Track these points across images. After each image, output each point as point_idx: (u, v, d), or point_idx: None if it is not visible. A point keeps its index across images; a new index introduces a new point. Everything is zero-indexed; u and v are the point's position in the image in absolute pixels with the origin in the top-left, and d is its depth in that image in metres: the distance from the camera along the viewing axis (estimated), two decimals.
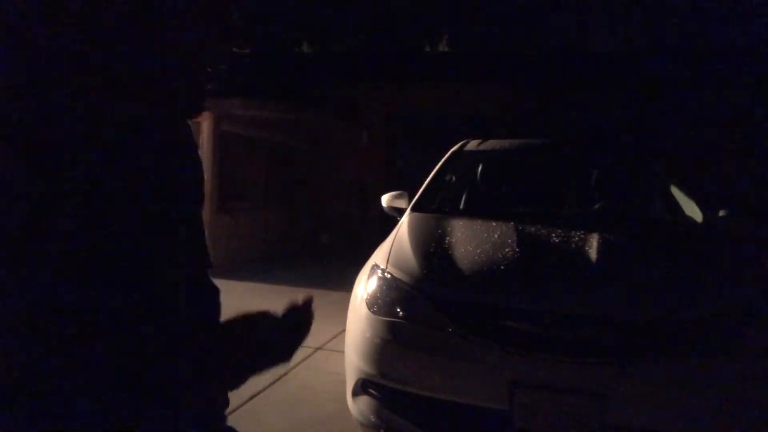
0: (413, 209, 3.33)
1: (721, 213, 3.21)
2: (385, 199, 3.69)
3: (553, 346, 2.08)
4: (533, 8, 11.59)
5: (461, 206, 3.76)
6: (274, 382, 3.44)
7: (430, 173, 3.76)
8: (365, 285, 2.57)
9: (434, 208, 3.45)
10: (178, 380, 0.71)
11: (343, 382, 2.57)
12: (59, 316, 0.62)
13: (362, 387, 2.38)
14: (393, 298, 2.39)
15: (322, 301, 5.76)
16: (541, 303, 2.20)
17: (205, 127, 7.10)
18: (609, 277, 2.39)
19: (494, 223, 2.87)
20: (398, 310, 2.35)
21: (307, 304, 0.94)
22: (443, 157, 3.91)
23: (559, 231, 2.75)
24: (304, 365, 3.79)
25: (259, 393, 3.26)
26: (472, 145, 4.03)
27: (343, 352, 2.64)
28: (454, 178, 4.00)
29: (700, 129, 7.79)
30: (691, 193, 3.42)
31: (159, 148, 0.73)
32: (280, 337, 0.88)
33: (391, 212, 3.65)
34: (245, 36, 0.85)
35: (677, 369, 2.03)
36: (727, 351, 2.07)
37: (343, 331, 2.76)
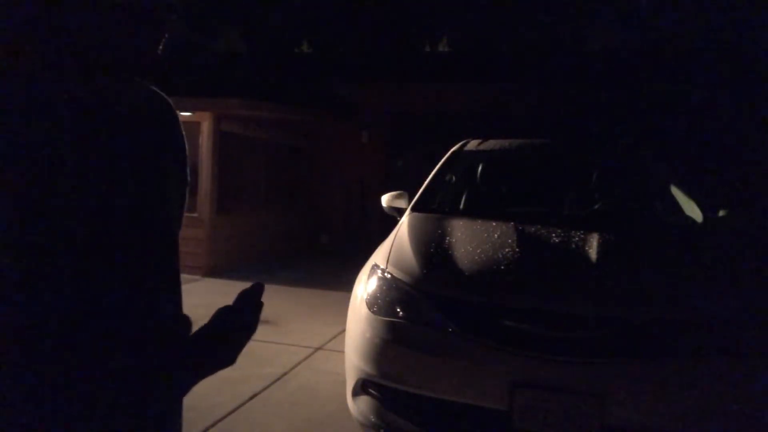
0: (413, 209, 3.32)
1: (721, 213, 3.21)
2: (385, 199, 3.69)
3: (553, 346, 2.08)
4: (533, 8, 11.59)
5: (461, 206, 3.76)
6: (273, 383, 3.44)
7: (429, 173, 3.76)
8: (365, 285, 2.57)
9: (434, 208, 3.45)
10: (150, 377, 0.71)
11: (343, 382, 2.57)
12: (58, 316, 0.63)
13: (362, 387, 2.37)
14: (393, 298, 2.39)
15: (322, 301, 5.76)
16: (541, 303, 2.20)
17: (205, 127, 7.10)
18: (609, 278, 2.39)
19: (494, 223, 2.87)
20: (398, 310, 2.35)
21: (257, 291, 0.85)
22: (443, 157, 3.91)
23: (559, 231, 2.75)
24: (304, 365, 3.79)
25: (258, 393, 3.27)
26: (472, 145, 4.02)
27: (343, 352, 2.64)
28: (454, 178, 4.00)
29: (701, 129, 7.79)
30: (691, 193, 3.42)
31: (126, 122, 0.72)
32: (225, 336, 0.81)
33: (391, 212, 3.65)
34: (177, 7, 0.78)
35: (677, 369, 2.03)
36: (726, 351, 2.07)
37: (343, 331, 2.76)
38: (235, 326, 0.82)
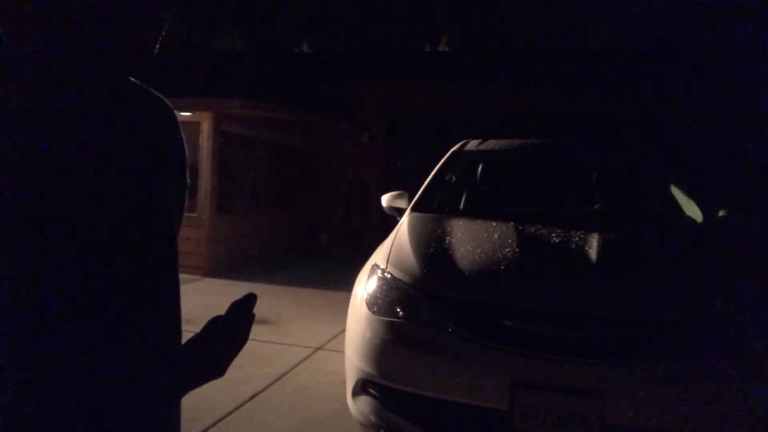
0: (413, 209, 3.32)
1: (721, 213, 3.21)
2: (385, 199, 3.69)
3: (552, 346, 2.08)
4: (533, 7, 11.59)
5: (461, 206, 3.76)
6: (273, 383, 3.44)
7: (429, 173, 3.76)
8: (365, 285, 2.57)
9: (434, 208, 3.45)
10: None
11: (343, 382, 2.57)
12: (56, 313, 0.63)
13: (362, 387, 2.37)
14: (393, 298, 2.39)
15: (322, 301, 5.75)
16: (541, 303, 2.20)
17: (205, 127, 7.10)
18: (609, 278, 2.39)
19: (494, 223, 2.87)
20: (398, 310, 2.35)
21: (249, 301, 0.84)
22: (443, 157, 3.91)
23: (559, 231, 2.75)
24: (304, 365, 3.79)
25: (258, 393, 3.27)
26: (472, 145, 4.02)
27: (343, 352, 2.64)
28: (454, 178, 4.00)
29: (701, 129, 7.79)
30: (691, 193, 3.42)
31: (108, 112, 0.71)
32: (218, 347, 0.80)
33: (391, 212, 3.65)
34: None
35: (677, 369, 2.03)
36: (727, 351, 2.07)
37: (343, 331, 2.76)
38: (226, 338, 0.81)
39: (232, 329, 0.82)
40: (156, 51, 0.72)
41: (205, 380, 0.79)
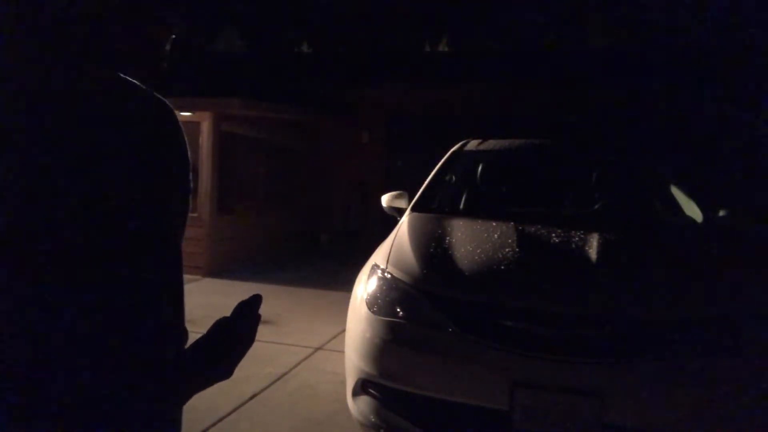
0: (413, 209, 3.32)
1: (721, 213, 3.21)
2: (385, 199, 3.69)
3: (553, 346, 2.08)
4: (533, 7, 11.59)
5: (461, 206, 3.76)
6: (273, 383, 3.44)
7: (429, 173, 3.76)
8: (365, 285, 2.57)
9: (434, 208, 3.45)
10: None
11: (343, 382, 2.57)
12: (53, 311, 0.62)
13: (362, 387, 2.38)
14: (393, 298, 2.39)
15: (322, 301, 5.73)
16: (541, 303, 2.20)
17: (205, 127, 7.09)
18: (609, 277, 2.39)
19: (494, 223, 2.87)
20: (398, 310, 2.35)
21: (255, 302, 0.84)
22: (443, 157, 3.91)
23: (559, 231, 2.75)
24: (304, 365, 3.79)
25: (258, 393, 3.27)
26: (472, 145, 4.03)
27: (343, 352, 2.64)
28: (454, 178, 4.00)
29: (701, 129, 7.79)
30: (691, 193, 3.42)
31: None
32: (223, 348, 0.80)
33: (391, 212, 3.65)
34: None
35: (677, 369, 2.03)
36: (727, 351, 2.07)
37: (343, 331, 2.76)
38: (232, 339, 0.81)
39: (239, 330, 0.81)
40: (167, 52, 0.72)
41: (212, 382, 0.79)
